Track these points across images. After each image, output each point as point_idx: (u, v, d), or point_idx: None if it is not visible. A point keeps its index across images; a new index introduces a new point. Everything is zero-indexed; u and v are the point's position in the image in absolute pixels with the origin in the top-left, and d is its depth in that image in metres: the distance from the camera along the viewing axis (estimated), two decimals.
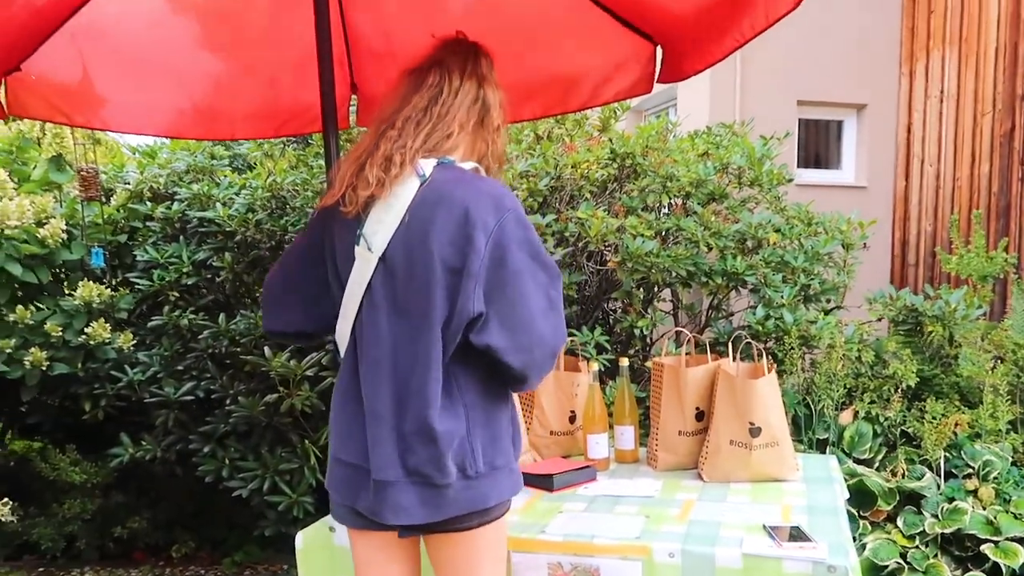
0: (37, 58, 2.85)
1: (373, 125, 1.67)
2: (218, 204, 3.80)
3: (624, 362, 2.56)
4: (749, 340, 2.53)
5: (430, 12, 3.06)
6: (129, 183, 4.20)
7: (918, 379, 3.50)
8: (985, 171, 6.07)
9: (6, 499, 2.32)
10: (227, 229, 3.71)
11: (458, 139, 1.64)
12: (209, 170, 4.12)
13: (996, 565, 2.83)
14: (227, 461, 3.37)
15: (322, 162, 3.99)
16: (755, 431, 2.22)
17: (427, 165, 1.58)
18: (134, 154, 4.86)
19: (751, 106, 6.39)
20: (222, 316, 3.59)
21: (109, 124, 3.28)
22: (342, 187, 1.60)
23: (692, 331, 3.97)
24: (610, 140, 3.97)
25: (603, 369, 3.44)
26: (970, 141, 6.24)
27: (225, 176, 4.01)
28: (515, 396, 1.81)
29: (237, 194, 3.90)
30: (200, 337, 3.56)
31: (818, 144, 7.14)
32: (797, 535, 1.84)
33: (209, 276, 3.82)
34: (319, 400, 3.26)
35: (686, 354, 2.49)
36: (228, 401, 3.41)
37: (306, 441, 3.32)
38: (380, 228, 1.56)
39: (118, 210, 4.08)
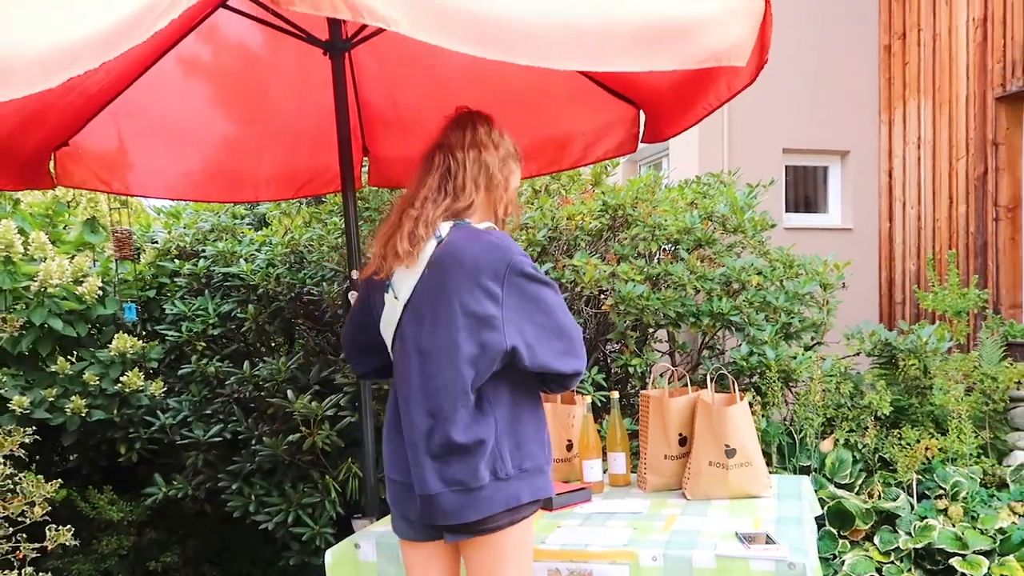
0: (83, 134, 3.20)
1: (398, 205, 1.99)
2: (241, 260, 4.12)
3: (615, 395, 2.84)
4: (724, 373, 2.81)
5: (434, 82, 3.42)
6: (157, 242, 4.52)
7: (893, 408, 3.77)
8: (962, 212, 6.39)
9: (68, 524, 2.57)
10: (251, 283, 4.02)
11: (473, 207, 1.94)
12: (231, 229, 4.45)
13: None
14: (253, 497, 3.63)
15: (336, 219, 4.31)
16: (730, 452, 2.50)
17: (444, 227, 1.90)
18: (159, 215, 5.21)
19: (739, 154, 6.73)
20: (246, 363, 3.88)
21: (146, 191, 3.61)
22: (376, 260, 1.93)
23: (686, 369, 4.25)
24: (602, 193, 4.30)
25: (601, 404, 3.71)
26: (947, 184, 6.57)
27: (245, 234, 4.34)
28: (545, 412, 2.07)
29: (258, 250, 4.23)
30: (227, 383, 3.85)
31: (805, 189, 7.48)
32: (764, 540, 2.11)
33: (233, 327, 4.12)
34: (339, 438, 3.54)
35: (672, 388, 2.77)
36: (254, 441, 3.69)
37: (327, 476, 3.58)
38: (405, 280, 1.88)
39: (148, 267, 4.40)
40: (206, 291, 4.26)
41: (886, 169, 7.22)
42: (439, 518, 1.85)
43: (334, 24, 2.90)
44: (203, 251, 4.31)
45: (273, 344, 4.18)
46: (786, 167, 7.11)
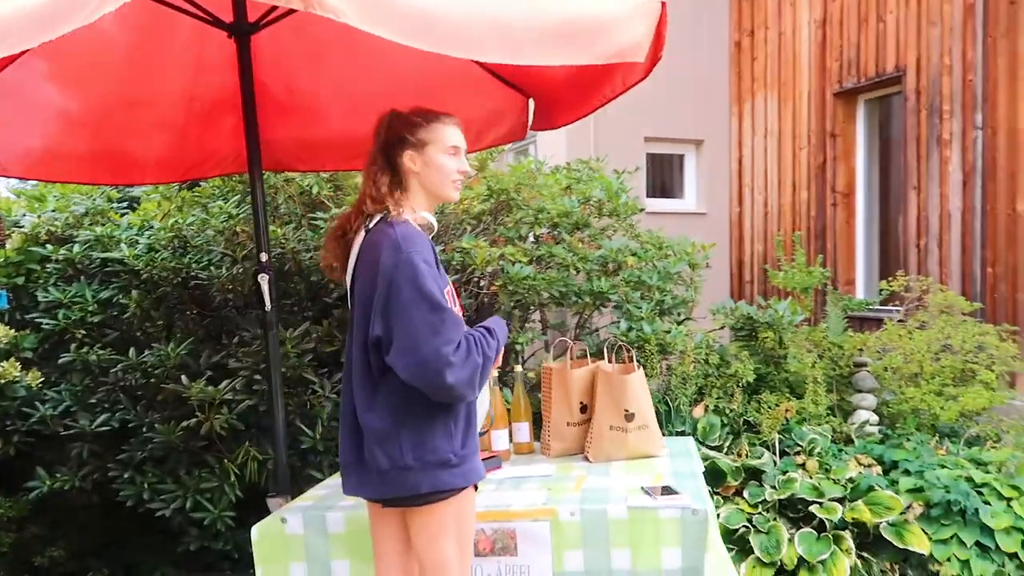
0: None
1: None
2: (122, 245, 4.00)
3: (519, 369, 3.03)
4: (622, 345, 3.05)
5: (330, 69, 3.47)
6: (24, 226, 4.31)
7: (755, 376, 4.15)
8: (804, 198, 7.00)
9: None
10: (134, 268, 3.92)
11: (394, 199, 2.10)
12: (107, 212, 4.30)
13: (821, 521, 3.46)
14: (146, 485, 3.57)
15: (220, 203, 4.24)
16: (630, 416, 2.74)
17: (371, 221, 2.06)
18: (19, 197, 4.93)
19: (604, 142, 7.06)
20: (132, 350, 3.79)
21: (28, 172, 3.47)
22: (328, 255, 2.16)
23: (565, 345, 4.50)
24: (486, 178, 4.46)
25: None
26: (791, 172, 7.16)
27: (123, 217, 4.22)
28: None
29: (138, 234, 4.12)
30: (112, 371, 3.75)
31: (663, 175, 7.94)
32: (667, 491, 2.35)
33: (115, 314, 4.00)
34: (238, 420, 3.54)
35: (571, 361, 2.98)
36: (145, 429, 3.63)
37: (225, 461, 3.58)
38: (348, 272, 2.09)
39: (15, 253, 4.18)
40: (81, 277, 4.11)
41: (736, 158, 7.77)
42: (348, 488, 2.11)
43: (239, 7, 2.90)
44: (76, 236, 4.15)
45: (154, 331, 4.07)
46: (647, 155, 7.52)
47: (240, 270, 3.93)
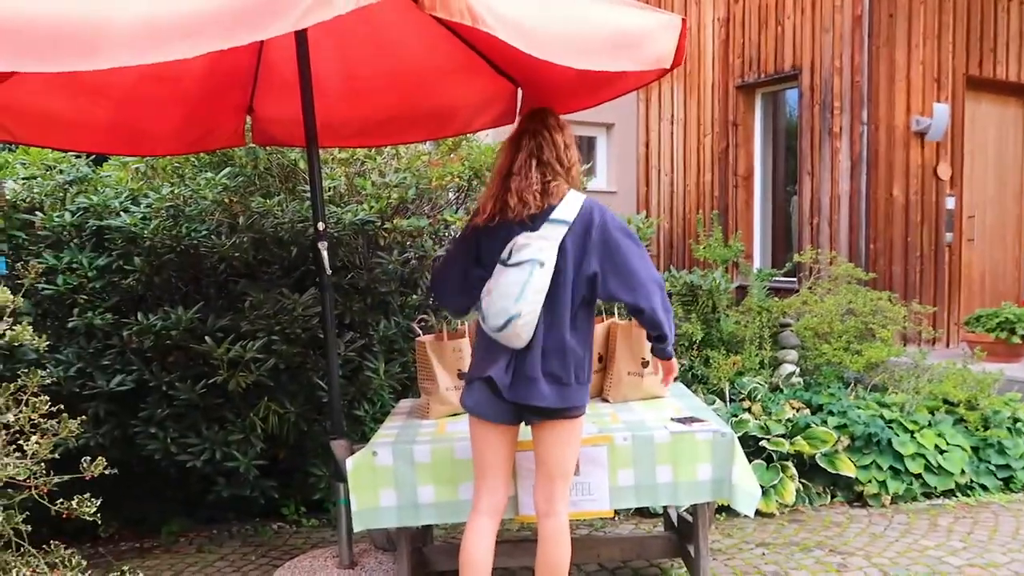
0: None
1: (495, 173, 2.59)
2: (122, 214, 4.14)
3: None
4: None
5: (339, 51, 3.75)
6: (7, 194, 4.33)
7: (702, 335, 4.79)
8: (708, 180, 7.75)
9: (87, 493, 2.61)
10: (136, 236, 4.07)
11: (561, 177, 2.52)
12: (97, 181, 4.40)
13: (769, 453, 4.13)
14: (169, 440, 3.79)
15: (210, 174, 4.42)
16: (645, 364, 3.25)
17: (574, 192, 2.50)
18: None
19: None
20: (139, 314, 3.96)
21: (45, 141, 3.57)
22: (492, 212, 2.48)
23: None
24: (464, 158, 4.85)
25: None
26: (696, 156, 7.89)
27: (118, 186, 4.34)
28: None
29: (133, 203, 4.26)
30: (125, 333, 3.91)
31: None
32: (694, 420, 2.89)
33: (115, 280, 4.13)
34: (266, 377, 3.81)
35: None
36: (165, 388, 3.83)
37: (251, 415, 3.84)
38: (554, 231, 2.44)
39: (4, 220, 4.22)
40: (73, 243, 4.20)
41: (644, 141, 8.45)
42: (535, 399, 2.40)
43: None
44: (55, 204, 4.23)
45: (159, 296, 4.22)
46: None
47: (241, 239, 4.16)
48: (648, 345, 3.17)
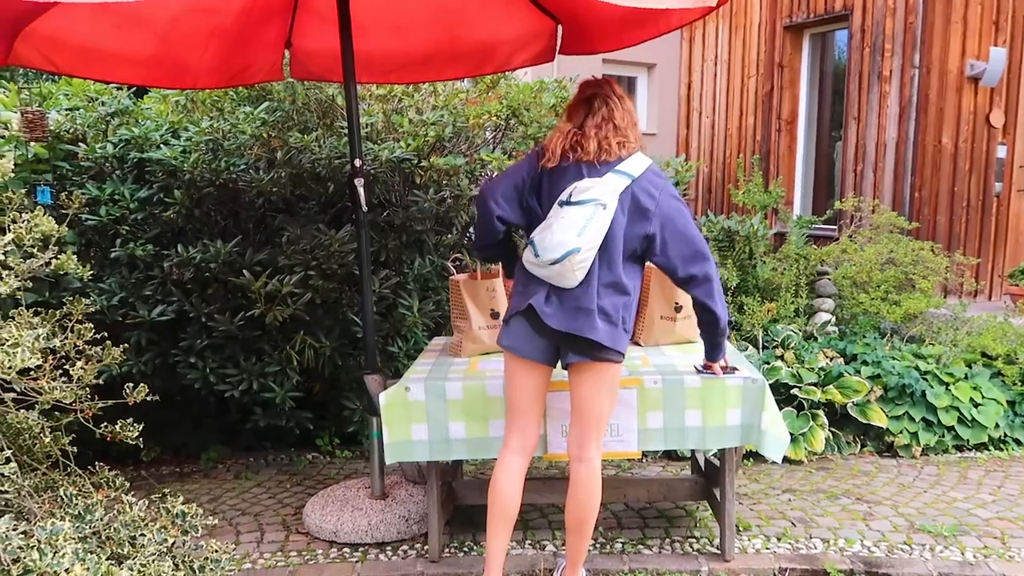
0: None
1: (562, 125, 2.61)
2: (162, 146, 4.18)
3: None
4: None
5: None
6: (50, 125, 4.38)
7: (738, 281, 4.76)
8: (750, 123, 7.59)
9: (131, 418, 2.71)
10: (177, 169, 4.11)
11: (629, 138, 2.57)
12: (138, 113, 4.43)
13: (800, 401, 4.12)
14: (208, 370, 3.89)
15: (248, 108, 4.44)
16: (678, 308, 3.25)
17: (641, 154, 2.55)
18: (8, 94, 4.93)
19: (567, 63, 7.39)
20: (179, 246, 4.02)
21: (92, 73, 3.59)
22: (564, 151, 2.52)
23: None
24: (502, 96, 4.79)
25: None
26: (739, 99, 7.73)
27: (159, 119, 4.37)
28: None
29: (173, 135, 4.29)
30: (166, 265, 3.99)
31: None
32: (727, 367, 2.89)
33: (155, 212, 4.20)
34: (302, 311, 3.88)
35: None
36: (205, 319, 3.91)
37: (287, 348, 3.92)
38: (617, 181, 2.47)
39: (45, 149, 4.28)
40: (115, 175, 4.26)
41: (686, 83, 8.28)
42: (588, 331, 2.43)
43: None
44: (103, 134, 4.28)
45: (198, 228, 4.29)
46: (603, 76, 7.90)
47: (279, 175, 4.18)
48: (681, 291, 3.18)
